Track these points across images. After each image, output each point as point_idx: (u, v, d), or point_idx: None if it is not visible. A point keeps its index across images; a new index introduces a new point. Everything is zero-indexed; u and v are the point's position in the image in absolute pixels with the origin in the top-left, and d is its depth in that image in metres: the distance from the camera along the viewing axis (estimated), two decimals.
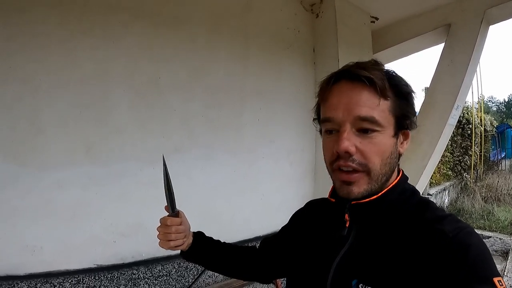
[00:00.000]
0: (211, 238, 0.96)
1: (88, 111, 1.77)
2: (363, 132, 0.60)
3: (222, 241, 0.98)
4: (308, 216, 0.84)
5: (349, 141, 0.59)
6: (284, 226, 0.94)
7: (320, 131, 0.71)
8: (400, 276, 0.55)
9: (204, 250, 0.92)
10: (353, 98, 0.60)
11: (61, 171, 1.70)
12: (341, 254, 0.64)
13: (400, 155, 0.67)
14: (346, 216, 0.66)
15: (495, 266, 0.53)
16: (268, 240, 0.97)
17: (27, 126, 1.63)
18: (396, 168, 0.68)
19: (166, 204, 0.85)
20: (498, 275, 0.50)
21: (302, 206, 0.92)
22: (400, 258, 0.57)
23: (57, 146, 1.70)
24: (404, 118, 0.63)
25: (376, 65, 0.63)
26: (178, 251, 0.91)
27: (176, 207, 0.86)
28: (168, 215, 0.85)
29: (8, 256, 1.56)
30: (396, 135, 0.63)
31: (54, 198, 1.67)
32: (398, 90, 0.62)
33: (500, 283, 0.49)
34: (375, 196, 0.63)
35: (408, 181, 0.70)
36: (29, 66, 1.62)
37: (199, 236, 0.94)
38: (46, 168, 1.66)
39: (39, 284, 1.59)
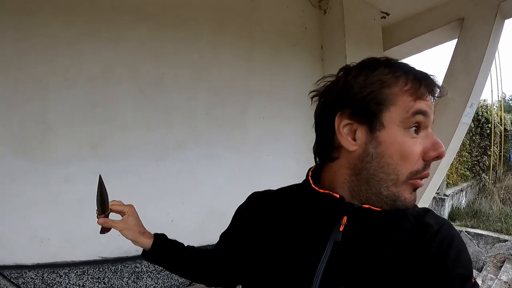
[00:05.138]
0: (174, 240, 0.90)
1: (94, 110, 1.84)
2: None
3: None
4: (276, 208, 0.73)
5: None
6: (233, 223, 0.86)
7: (375, 123, 0.56)
8: (388, 279, 0.54)
9: (165, 251, 0.86)
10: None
11: (68, 167, 1.78)
12: (326, 260, 0.57)
13: None
14: (345, 219, 0.58)
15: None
16: (223, 239, 0.87)
17: (36, 124, 1.71)
18: None
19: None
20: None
21: None
22: (387, 260, 0.55)
23: (65, 143, 1.78)
24: None
25: None
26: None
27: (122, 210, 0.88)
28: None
29: (18, 246, 1.66)
30: None
31: (61, 192, 1.76)
32: None
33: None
34: None
35: None
36: (37, 67, 1.70)
37: (160, 236, 0.88)
38: (54, 164, 1.75)
39: (46, 274, 1.67)
